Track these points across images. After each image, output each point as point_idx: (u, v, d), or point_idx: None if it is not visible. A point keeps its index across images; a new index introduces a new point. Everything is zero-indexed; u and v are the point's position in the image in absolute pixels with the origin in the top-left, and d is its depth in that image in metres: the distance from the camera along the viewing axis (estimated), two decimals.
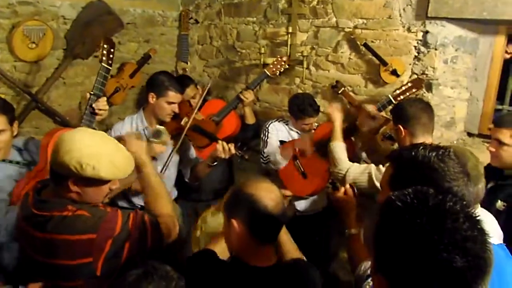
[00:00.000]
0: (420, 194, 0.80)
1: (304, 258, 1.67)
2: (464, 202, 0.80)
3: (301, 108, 2.86)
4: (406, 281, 0.77)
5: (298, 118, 2.90)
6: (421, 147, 1.29)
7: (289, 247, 1.68)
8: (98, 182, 1.56)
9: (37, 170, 2.08)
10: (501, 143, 2.06)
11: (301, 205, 2.93)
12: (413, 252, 0.74)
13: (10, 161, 2.09)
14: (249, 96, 3.04)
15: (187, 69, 3.82)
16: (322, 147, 2.69)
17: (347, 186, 1.91)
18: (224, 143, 2.45)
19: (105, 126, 3.23)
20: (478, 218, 0.80)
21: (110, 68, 2.22)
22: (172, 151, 2.57)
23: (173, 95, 2.57)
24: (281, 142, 3.01)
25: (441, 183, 1.19)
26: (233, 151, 2.44)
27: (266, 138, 3.04)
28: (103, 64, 2.20)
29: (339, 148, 2.40)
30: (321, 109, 3.28)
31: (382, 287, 0.80)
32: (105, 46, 2.22)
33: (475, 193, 1.43)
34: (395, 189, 1.27)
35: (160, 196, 1.78)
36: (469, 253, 0.74)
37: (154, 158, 2.27)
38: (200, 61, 3.96)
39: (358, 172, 2.16)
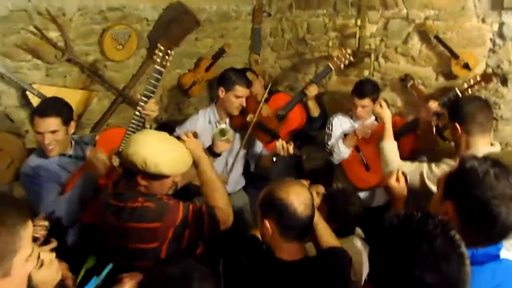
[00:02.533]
0: (406, 218, 0.89)
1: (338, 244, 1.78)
2: (447, 227, 0.88)
3: (353, 89, 2.89)
4: None
5: (351, 101, 2.93)
6: (489, 162, 1.30)
7: (325, 236, 1.80)
8: (161, 177, 1.81)
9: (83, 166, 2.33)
10: None
11: (362, 195, 2.98)
12: (394, 268, 0.86)
13: (64, 155, 2.32)
14: (312, 90, 3.12)
15: (259, 61, 3.98)
16: None
17: (399, 173, 1.97)
18: (283, 142, 2.57)
19: (183, 117, 3.55)
20: (458, 242, 0.87)
21: (163, 70, 2.34)
22: (239, 148, 2.77)
23: (240, 89, 2.73)
24: (345, 135, 3.06)
25: (488, 200, 1.21)
26: (291, 150, 2.56)
27: (330, 131, 3.12)
28: (156, 66, 2.33)
29: (388, 148, 2.31)
30: (391, 102, 3.27)
31: None
32: (162, 48, 2.34)
33: None
34: (447, 195, 1.31)
35: (215, 190, 1.97)
36: (442, 272, 0.83)
37: (217, 154, 2.46)
38: (272, 53, 4.09)
39: (409, 171, 2.12)
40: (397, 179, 1.97)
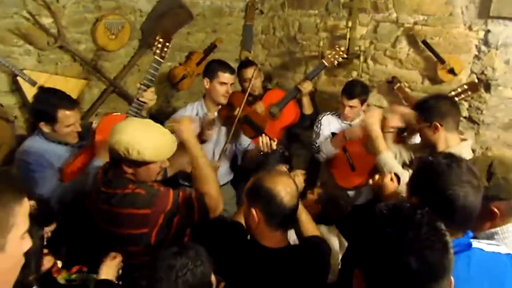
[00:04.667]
0: (395, 207, 0.96)
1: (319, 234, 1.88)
2: (433, 218, 0.94)
3: (343, 89, 2.96)
4: (376, 276, 0.94)
5: (340, 101, 2.99)
6: (442, 155, 1.41)
7: (308, 225, 1.89)
8: (145, 163, 1.83)
9: (83, 151, 2.38)
10: None
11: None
12: (382, 254, 0.91)
13: (61, 143, 2.35)
14: (306, 86, 3.18)
15: (250, 58, 4.02)
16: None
17: (393, 174, 2.04)
18: (267, 138, 2.61)
19: (172, 109, 3.57)
20: (442, 231, 0.94)
21: (162, 61, 2.43)
22: (226, 141, 2.81)
23: (223, 76, 2.77)
24: (333, 134, 3.12)
25: (444, 187, 1.31)
26: (274, 146, 2.60)
27: (318, 130, 3.17)
28: (155, 56, 2.41)
29: (386, 159, 2.23)
30: (377, 103, 3.34)
31: (359, 279, 0.97)
32: (161, 40, 2.42)
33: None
34: (412, 192, 1.42)
35: (206, 176, 1.98)
36: (426, 259, 0.89)
37: (205, 141, 2.49)
38: (263, 50, 4.13)
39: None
40: (391, 179, 2.03)
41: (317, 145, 3.16)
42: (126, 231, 1.87)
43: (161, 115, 3.29)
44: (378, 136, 2.28)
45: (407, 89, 3.14)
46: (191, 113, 2.89)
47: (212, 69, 2.82)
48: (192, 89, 3.81)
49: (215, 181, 2.04)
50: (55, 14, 2.86)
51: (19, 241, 0.89)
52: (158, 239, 1.87)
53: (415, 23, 3.04)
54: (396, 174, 2.06)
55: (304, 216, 1.90)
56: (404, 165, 2.37)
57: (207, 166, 2.03)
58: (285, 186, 1.65)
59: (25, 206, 0.90)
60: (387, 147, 2.27)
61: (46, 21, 2.86)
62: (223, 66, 2.82)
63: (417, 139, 2.55)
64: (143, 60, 3.41)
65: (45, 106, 2.20)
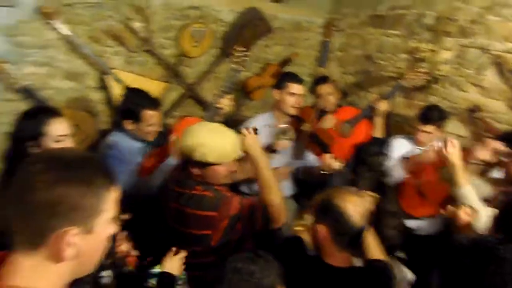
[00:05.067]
0: (477, 240, 0.91)
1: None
2: None
3: (419, 113, 2.84)
4: None
5: (415, 125, 2.87)
6: None
7: (374, 248, 1.81)
8: (209, 165, 1.89)
9: (160, 150, 2.48)
10: None
11: (411, 223, 2.92)
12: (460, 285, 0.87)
13: (142, 140, 2.46)
14: (382, 105, 3.10)
15: (325, 74, 4.02)
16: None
17: (469, 207, 1.94)
18: (331, 159, 2.57)
19: (242, 118, 3.64)
20: None
21: (241, 69, 2.52)
22: (291, 155, 2.81)
23: (292, 86, 2.75)
24: (404, 158, 3.02)
25: None
26: (336, 167, 2.56)
27: (389, 152, 3.08)
28: (234, 65, 2.51)
29: (467, 193, 2.07)
30: (455, 132, 3.18)
31: None
32: (241, 50, 2.52)
33: None
34: (497, 228, 1.33)
35: (270, 187, 1.98)
36: None
37: (275, 151, 2.51)
38: (338, 68, 4.11)
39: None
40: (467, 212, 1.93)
41: (386, 168, 3.07)
42: (190, 230, 1.94)
43: (230, 122, 3.38)
44: (460, 167, 2.14)
45: (490, 120, 2.97)
46: (260, 123, 2.92)
47: (282, 80, 2.84)
48: (264, 100, 3.88)
49: (279, 192, 2.04)
50: (146, 19, 3.05)
51: (107, 225, 0.94)
52: (220, 242, 1.93)
53: (505, 51, 2.87)
54: (472, 207, 1.96)
55: (371, 238, 1.85)
56: (483, 200, 2.24)
57: (271, 177, 2.04)
58: (355, 205, 1.63)
59: (115, 193, 0.95)
60: (468, 179, 2.13)
61: (137, 25, 3.05)
62: (293, 77, 2.83)
63: (496, 172, 2.40)
64: (221, 68, 3.53)
65: (132, 105, 2.34)
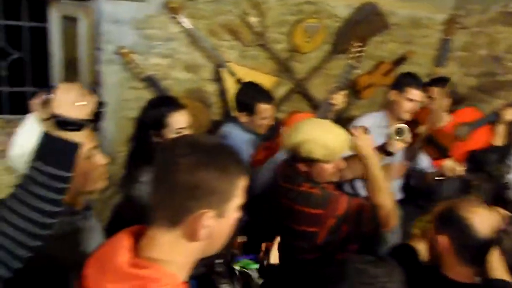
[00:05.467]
0: None
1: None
2: None
3: None
4: None
5: None
6: None
7: (498, 268, 1.62)
8: (316, 162, 1.87)
9: (271, 143, 2.50)
10: None
11: None
12: None
13: (254, 133, 2.52)
14: (509, 114, 2.84)
15: (443, 75, 3.74)
16: None
17: None
18: (453, 163, 2.39)
19: (350, 116, 3.55)
20: None
21: (356, 66, 2.46)
22: (403, 158, 2.66)
23: (412, 92, 2.60)
24: None
25: None
26: (459, 172, 2.37)
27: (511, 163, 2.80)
28: (349, 61, 2.45)
29: None
30: None
31: None
32: (357, 45, 2.45)
33: None
34: None
35: (381, 189, 1.91)
36: None
37: (391, 153, 2.39)
38: (460, 69, 3.80)
39: None
40: None
41: (506, 180, 2.80)
42: (297, 226, 1.94)
43: (341, 121, 3.31)
44: None
45: None
46: (371, 123, 2.82)
47: (401, 82, 2.69)
48: (374, 99, 3.73)
49: (389, 194, 1.96)
50: (261, 14, 3.10)
51: (235, 211, 0.97)
52: (326, 240, 1.91)
53: None
54: None
55: (496, 256, 1.67)
56: None
57: (382, 178, 1.96)
58: (483, 218, 1.49)
59: (244, 181, 0.98)
60: None
61: (253, 20, 3.11)
62: (414, 81, 2.66)
63: None
64: (331, 65, 3.47)
65: (247, 98, 2.41)
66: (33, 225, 1.02)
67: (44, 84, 3.10)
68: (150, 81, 2.87)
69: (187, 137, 1.04)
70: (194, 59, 3.07)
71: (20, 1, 2.91)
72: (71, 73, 2.96)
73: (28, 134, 1.19)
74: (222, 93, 3.18)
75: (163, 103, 2.00)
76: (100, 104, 1.15)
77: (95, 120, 1.14)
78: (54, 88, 1.08)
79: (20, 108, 3.14)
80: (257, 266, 1.74)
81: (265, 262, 1.70)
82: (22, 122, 1.25)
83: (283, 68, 3.33)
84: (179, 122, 1.94)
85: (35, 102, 1.12)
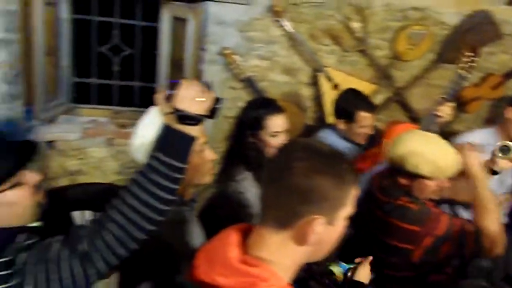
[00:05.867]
0: None
1: None
2: None
3: None
4: None
5: None
6: None
7: None
8: (421, 178, 1.76)
9: (374, 152, 2.41)
10: None
11: None
12: None
13: (351, 141, 2.45)
14: None
15: None
16: None
17: None
18: None
19: (451, 131, 3.34)
20: None
21: (466, 76, 2.31)
22: None
23: None
24: None
25: None
26: None
27: None
28: (459, 71, 2.31)
29: None
30: None
31: None
32: (468, 54, 2.30)
33: None
34: None
35: (487, 211, 1.78)
36: None
37: (495, 173, 2.21)
38: None
39: None
40: None
41: None
42: (391, 241, 1.86)
43: (444, 135, 3.13)
44: None
45: None
46: (479, 140, 2.63)
47: None
48: (479, 113, 3.48)
49: (496, 218, 1.81)
50: (364, 19, 3.04)
51: (344, 220, 0.96)
52: (422, 260, 1.81)
53: None
54: None
55: None
56: None
57: (490, 200, 1.82)
58: None
59: (356, 191, 0.96)
60: None
61: (355, 25, 3.06)
62: None
63: None
64: (434, 74, 3.30)
65: (347, 105, 2.36)
66: (149, 210, 1.08)
67: (151, 80, 3.33)
68: (249, 82, 2.94)
69: (302, 141, 1.04)
70: (292, 62, 3.09)
71: (136, 2, 3.15)
72: (175, 71, 3.14)
73: (149, 126, 1.27)
74: (318, 97, 3.16)
75: (263, 105, 2.03)
76: (217, 101, 1.19)
77: (211, 116, 1.19)
78: (177, 84, 1.15)
79: (128, 100, 3.41)
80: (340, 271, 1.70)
81: (349, 274, 1.65)
82: (143, 114, 1.33)
83: (383, 75, 3.23)
84: (276, 126, 1.96)
85: (159, 96, 1.19)
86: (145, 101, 3.40)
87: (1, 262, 1.04)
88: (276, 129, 1.95)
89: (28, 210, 1.15)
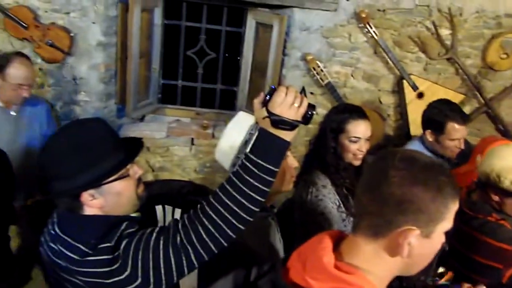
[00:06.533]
0: None
1: None
2: None
3: None
4: None
5: None
6: None
7: None
8: None
9: (466, 169, 2.26)
10: None
11: None
12: None
13: (439, 155, 2.31)
14: None
15: None
16: None
17: None
18: None
19: None
20: None
21: None
22: None
23: None
24: None
25: None
26: None
27: None
28: None
29: None
30: None
31: None
32: None
33: None
34: None
35: None
36: None
37: None
38: None
39: None
40: None
41: None
42: (478, 258, 1.77)
43: None
44: None
45: None
46: None
47: None
48: None
49: None
50: (454, 27, 2.91)
51: (442, 235, 0.93)
52: (510, 280, 1.71)
53: None
54: None
55: None
56: None
57: None
58: None
59: (455, 206, 0.93)
60: None
61: (444, 32, 2.95)
62: None
63: None
64: None
65: (438, 115, 2.25)
66: (241, 209, 1.12)
67: (232, 83, 3.43)
68: (330, 88, 2.94)
69: (401, 151, 1.03)
70: (375, 69, 3.04)
71: (222, 8, 3.27)
72: (257, 76, 3.21)
73: (238, 129, 1.31)
74: (399, 106, 3.08)
75: (347, 110, 2.02)
76: (311, 107, 1.21)
77: (305, 122, 1.21)
78: (274, 90, 1.18)
79: (210, 102, 3.55)
80: None
81: None
82: (230, 117, 1.37)
83: (471, 85, 3.07)
84: (357, 131, 1.93)
85: (256, 101, 1.23)
86: (226, 103, 3.51)
87: (107, 247, 1.12)
88: (357, 135, 1.93)
89: (132, 201, 1.23)
